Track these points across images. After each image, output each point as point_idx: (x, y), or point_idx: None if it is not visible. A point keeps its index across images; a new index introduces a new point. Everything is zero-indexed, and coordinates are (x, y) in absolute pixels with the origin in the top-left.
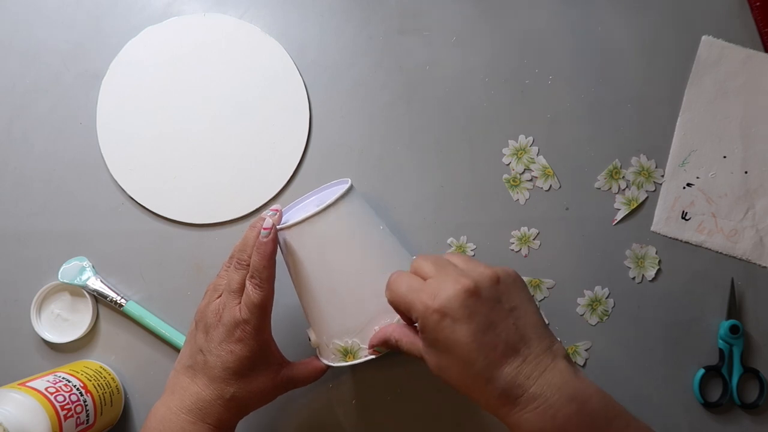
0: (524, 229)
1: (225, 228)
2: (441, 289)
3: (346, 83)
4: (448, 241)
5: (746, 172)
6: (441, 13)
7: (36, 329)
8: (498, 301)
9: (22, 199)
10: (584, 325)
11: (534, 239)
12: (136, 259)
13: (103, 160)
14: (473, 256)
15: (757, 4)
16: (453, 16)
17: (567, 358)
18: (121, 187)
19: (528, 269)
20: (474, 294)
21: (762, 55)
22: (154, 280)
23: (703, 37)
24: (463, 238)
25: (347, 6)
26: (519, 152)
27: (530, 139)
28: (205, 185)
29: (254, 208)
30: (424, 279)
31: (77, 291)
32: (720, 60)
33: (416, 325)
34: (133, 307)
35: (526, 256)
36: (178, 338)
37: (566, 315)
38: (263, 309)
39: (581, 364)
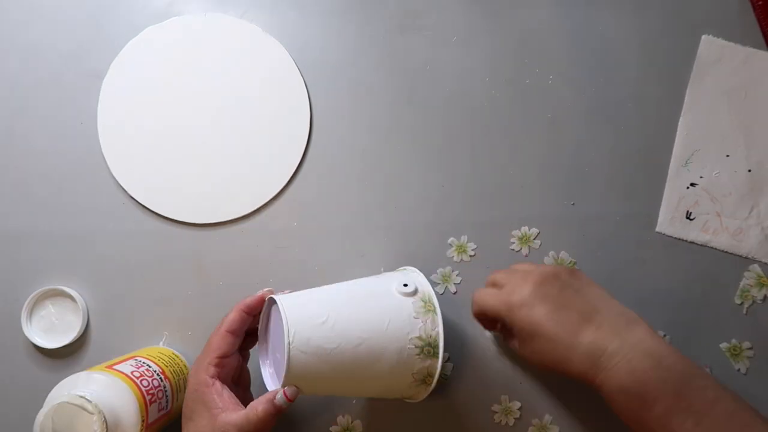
0: (525, 228)
1: (225, 228)
2: (515, 288)
3: (347, 83)
4: (449, 240)
5: (750, 171)
6: (441, 13)
7: (26, 334)
8: (564, 287)
9: (22, 199)
10: None
11: (534, 239)
12: (136, 258)
13: (104, 160)
14: (473, 256)
15: (760, 3)
16: (453, 15)
17: (644, 323)
18: (121, 186)
19: None
20: (542, 283)
21: (763, 53)
22: (154, 279)
23: (703, 37)
24: (464, 238)
25: (348, 5)
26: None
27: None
28: (206, 185)
29: (254, 208)
30: (500, 288)
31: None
32: (720, 59)
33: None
34: None
35: (526, 255)
36: None
37: None
38: None
39: None
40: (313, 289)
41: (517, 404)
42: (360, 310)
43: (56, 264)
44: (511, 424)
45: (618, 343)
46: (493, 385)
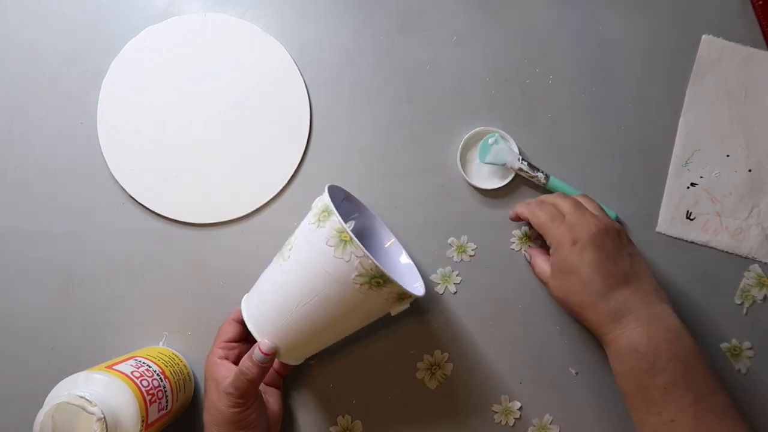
0: (525, 228)
1: (225, 228)
2: (577, 224)
3: (347, 83)
4: (449, 240)
5: (750, 171)
6: (441, 13)
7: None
8: (620, 245)
9: (22, 199)
10: None
11: (535, 239)
12: (136, 258)
13: (104, 160)
14: (473, 256)
15: (760, 3)
16: (453, 15)
17: (671, 306)
18: (121, 186)
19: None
20: (603, 233)
21: (763, 53)
22: (154, 279)
23: (704, 36)
24: (464, 238)
25: (348, 5)
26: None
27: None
28: (205, 185)
29: (254, 208)
30: (563, 215)
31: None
32: (721, 59)
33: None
34: (556, 183)
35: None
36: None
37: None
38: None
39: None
40: (262, 279)
41: (517, 404)
42: (297, 280)
43: (57, 264)
44: (511, 424)
45: (645, 311)
46: (493, 385)
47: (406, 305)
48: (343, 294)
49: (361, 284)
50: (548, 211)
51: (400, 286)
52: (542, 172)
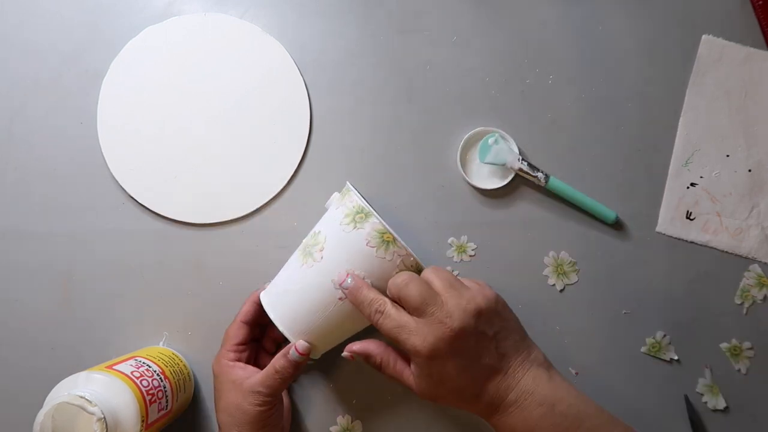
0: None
1: (225, 228)
2: (429, 333)
3: (347, 83)
4: (449, 240)
5: (750, 171)
6: (441, 13)
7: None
8: (481, 333)
9: (22, 199)
10: (588, 326)
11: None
12: (136, 258)
13: (104, 160)
14: (473, 256)
15: (760, 3)
16: (453, 15)
17: (543, 364)
18: (121, 186)
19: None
20: (459, 335)
21: (763, 53)
22: (154, 279)
23: (704, 36)
24: (464, 238)
25: (348, 5)
26: None
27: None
28: (206, 185)
29: (254, 208)
30: (410, 311)
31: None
32: (721, 59)
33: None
34: (556, 183)
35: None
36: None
37: (571, 316)
38: None
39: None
40: (289, 280)
41: None
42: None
43: (56, 264)
44: None
45: (517, 392)
46: None
47: None
48: (382, 291)
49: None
50: (395, 320)
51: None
52: (542, 172)
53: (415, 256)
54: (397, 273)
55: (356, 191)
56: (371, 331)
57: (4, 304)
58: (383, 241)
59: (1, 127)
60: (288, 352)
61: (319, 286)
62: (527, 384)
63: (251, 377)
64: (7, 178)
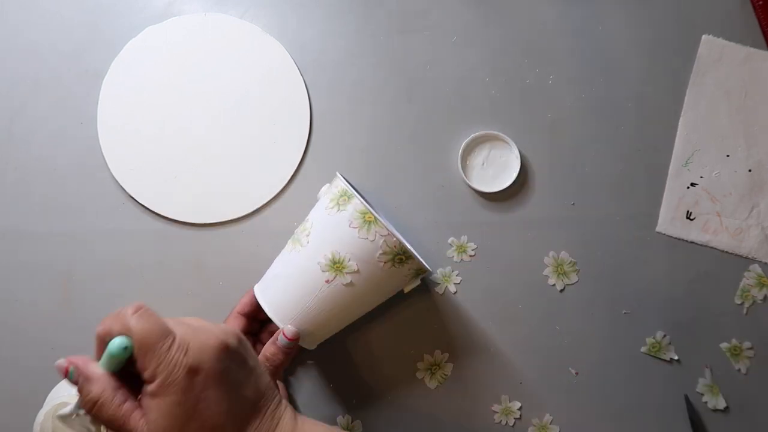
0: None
1: (225, 228)
2: (193, 340)
3: (347, 83)
4: (449, 240)
5: (750, 171)
6: (441, 13)
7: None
8: (244, 360)
9: (22, 199)
10: (588, 326)
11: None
12: (136, 258)
13: (104, 160)
14: (473, 256)
15: (760, 3)
16: (453, 15)
17: (289, 406)
18: (121, 186)
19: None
20: (227, 349)
21: (763, 53)
22: (154, 279)
23: (704, 36)
24: (464, 238)
25: (348, 5)
26: None
27: None
28: (205, 185)
29: (254, 208)
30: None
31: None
32: (721, 59)
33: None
34: None
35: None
36: None
37: (571, 316)
38: None
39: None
40: (278, 267)
41: (517, 404)
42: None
43: (56, 264)
44: (511, 424)
45: None
46: (493, 385)
47: (417, 282)
48: (366, 273)
49: (384, 262)
50: (141, 318)
51: (420, 262)
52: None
53: (398, 235)
54: (379, 254)
55: (343, 179)
56: (369, 320)
57: (4, 304)
58: (365, 221)
59: (1, 127)
60: (276, 339)
61: (306, 269)
62: (284, 427)
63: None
64: (7, 178)
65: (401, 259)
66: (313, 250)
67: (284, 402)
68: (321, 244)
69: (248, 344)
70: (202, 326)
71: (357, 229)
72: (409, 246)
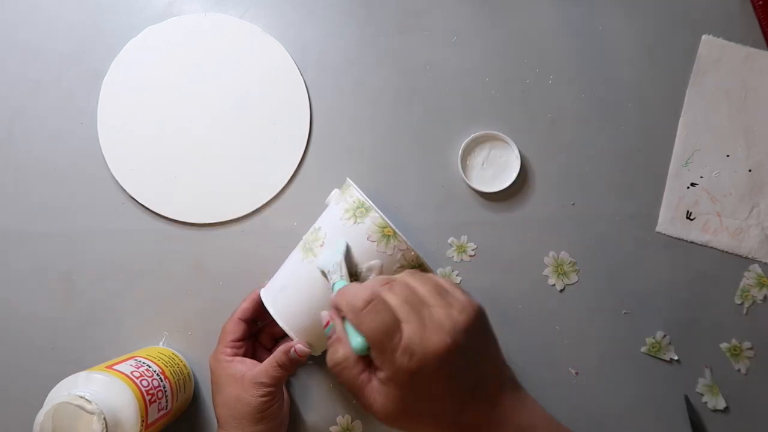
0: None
1: (225, 228)
2: (418, 344)
3: (347, 83)
4: (449, 240)
5: (750, 171)
6: (441, 13)
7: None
8: (470, 352)
9: (22, 199)
10: (588, 326)
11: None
12: (136, 258)
13: (104, 160)
14: (473, 256)
15: (760, 3)
16: (453, 15)
17: (516, 389)
18: (121, 186)
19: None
20: (452, 352)
21: (762, 53)
22: (154, 279)
23: (704, 36)
24: (464, 238)
25: (348, 6)
26: None
27: None
28: (206, 185)
29: (254, 208)
30: (406, 314)
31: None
32: (720, 59)
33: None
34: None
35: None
36: None
37: (571, 316)
38: None
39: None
40: (290, 277)
41: None
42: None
43: (56, 264)
44: None
45: (492, 419)
46: None
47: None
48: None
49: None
50: (378, 320)
51: (434, 274)
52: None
53: (416, 250)
54: (397, 268)
55: (356, 187)
56: None
57: (4, 304)
58: (384, 235)
59: (1, 127)
60: (289, 351)
61: (319, 281)
62: (503, 411)
63: (252, 369)
64: (7, 178)
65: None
66: (328, 263)
67: (510, 387)
68: (337, 258)
69: (481, 329)
70: (436, 320)
71: (375, 243)
72: (425, 259)
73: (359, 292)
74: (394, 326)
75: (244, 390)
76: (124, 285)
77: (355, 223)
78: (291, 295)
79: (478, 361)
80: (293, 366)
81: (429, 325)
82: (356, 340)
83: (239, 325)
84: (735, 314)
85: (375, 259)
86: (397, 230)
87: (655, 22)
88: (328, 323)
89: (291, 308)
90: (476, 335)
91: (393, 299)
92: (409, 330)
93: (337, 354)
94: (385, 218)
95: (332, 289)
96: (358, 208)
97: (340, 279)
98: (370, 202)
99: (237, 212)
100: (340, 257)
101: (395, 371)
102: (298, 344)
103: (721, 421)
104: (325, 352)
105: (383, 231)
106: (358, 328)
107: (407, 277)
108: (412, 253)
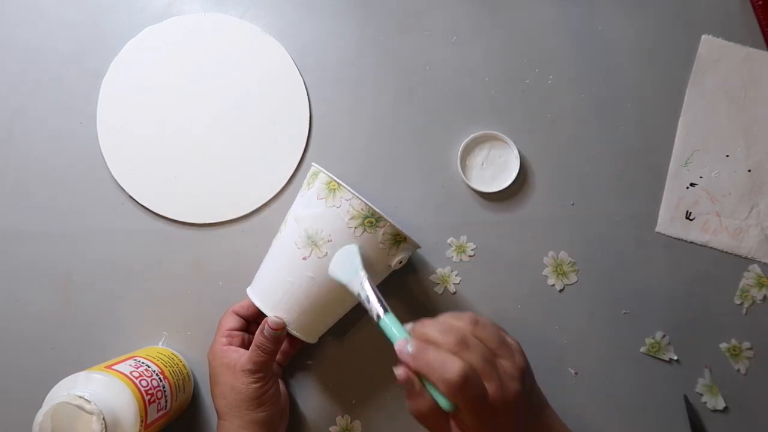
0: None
1: (225, 228)
2: (499, 400)
3: (347, 83)
4: (448, 240)
5: (750, 171)
6: (441, 13)
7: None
8: (526, 389)
9: (22, 199)
10: (588, 326)
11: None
12: (136, 258)
13: (104, 160)
14: (473, 256)
15: (760, 3)
16: (453, 15)
17: (547, 404)
18: (121, 186)
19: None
20: (523, 395)
21: (762, 53)
22: (154, 280)
23: (703, 36)
24: (463, 238)
25: (348, 6)
26: None
27: None
28: (205, 185)
29: (254, 208)
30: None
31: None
32: (720, 59)
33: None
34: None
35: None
36: None
37: (570, 316)
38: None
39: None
40: (263, 261)
41: None
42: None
43: (56, 264)
44: None
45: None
46: None
47: (404, 255)
48: (340, 241)
49: (355, 227)
50: (468, 380)
51: (393, 225)
52: (382, 306)
53: (361, 198)
54: (348, 220)
55: (316, 165)
56: (367, 320)
57: (4, 304)
58: (330, 190)
59: (1, 127)
60: (264, 329)
61: (283, 252)
62: (549, 428)
63: (242, 357)
64: (7, 178)
65: (371, 222)
66: (290, 233)
67: (543, 399)
68: (296, 225)
69: (528, 365)
70: (507, 372)
71: (324, 200)
72: (375, 208)
73: (448, 362)
74: (484, 393)
75: (235, 379)
76: (124, 285)
77: (307, 189)
78: (264, 273)
79: (533, 392)
80: (274, 344)
81: (504, 379)
82: (444, 402)
83: (233, 317)
84: (734, 314)
85: (327, 216)
86: (341, 183)
87: (655, 22)
88: (405, 380)
89: (264, 285)
90: (531, 372)
91: (474, 359)
92: (492, 389)
93: (421, 407)
94: (330, 175)
95: (370, 312)
96: (310, 176)
97: (369, 299)
98: (319, 167)
99: (237, 212)
100: (361, 272)
101: (480, 427)
102: (268, 317)
103: (720, 421)
104: (320, 340)
105: (329, 186)
106: (453, 401)
107: (476, 329)
108: (358, 201)
